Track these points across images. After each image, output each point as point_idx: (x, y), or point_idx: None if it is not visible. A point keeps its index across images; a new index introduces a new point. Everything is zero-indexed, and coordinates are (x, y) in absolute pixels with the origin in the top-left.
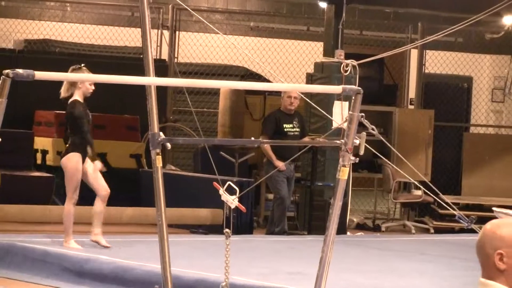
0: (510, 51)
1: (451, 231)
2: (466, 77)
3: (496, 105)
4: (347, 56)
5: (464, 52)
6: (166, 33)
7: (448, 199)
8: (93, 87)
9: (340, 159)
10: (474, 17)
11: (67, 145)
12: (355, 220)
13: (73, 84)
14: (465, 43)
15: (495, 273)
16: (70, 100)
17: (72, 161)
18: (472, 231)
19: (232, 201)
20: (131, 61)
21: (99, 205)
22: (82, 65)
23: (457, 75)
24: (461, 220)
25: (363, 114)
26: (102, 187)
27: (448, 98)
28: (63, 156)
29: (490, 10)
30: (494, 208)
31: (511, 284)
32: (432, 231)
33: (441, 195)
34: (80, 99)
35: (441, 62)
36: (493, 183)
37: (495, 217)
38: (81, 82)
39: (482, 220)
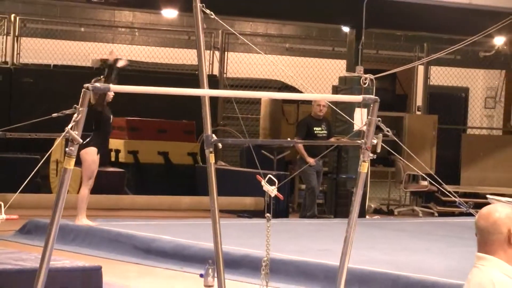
0: (500, 66)
1: (452, 214)
2: (463, 88)
3: (489, 111)
4: (366, 71)
5: (462, 68)
6: (217, 53)
7: (449, 188)
8: (112, 95)
9: (361, 156)
10: (470, 38)
11: (88, 139)
12: (372, 206)
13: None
14: (463, 60)
15: (502, 248)
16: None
17: (90, 154)
18: (470, 214)
19: (272, 190)
20: (188, 77)
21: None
22: (102, 77)
23: (456, 86)
24: (460, 206)
25: (379, 118)
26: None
27: (449, 105)
28: (82, 148)
29: (483, 32)
30: (488, 196)
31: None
32: (436, 214)
33: (443, 185)
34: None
35: (443, 76)
36: (486, 175)
37: (488, 203)
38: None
39: (478, 206)
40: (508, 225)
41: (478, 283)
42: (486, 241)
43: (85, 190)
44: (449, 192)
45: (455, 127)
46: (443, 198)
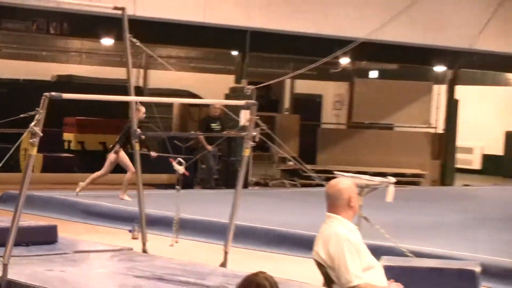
0: (345, 79)
1: (310, 186)
2: (319, 95)
3: (337, 111)
4: (249, 83)
5: (317, 80)
6: (142, 70)
7: (308, 166)
8: (144, 115)
9: (244, 144)
10: (323, 59)
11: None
12: (254, 180)
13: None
14: (318, 75)
15: (344, 209)
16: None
17: (121, 154)
18: (322, 185)
19: (180, 169)
20: (120, 88)
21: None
22: (139, 103)
23: (313, 93)
24: (315, 179)
25: (258, 117)
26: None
27: (308, 107)
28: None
29: (332, 55)
30: (335, 172)
31: (351, 216)
32: (299, 186)
33: (304, 164)
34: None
35: (305, 86)
36: (335, 157)
37: (335, 177)
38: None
39: (329, 179)
40: (348, 193)
41: (327, 235)
42: (333, 204)
43: (129, 175)
44: (307, 169)
45: (313, 123)
46: (304, 174)
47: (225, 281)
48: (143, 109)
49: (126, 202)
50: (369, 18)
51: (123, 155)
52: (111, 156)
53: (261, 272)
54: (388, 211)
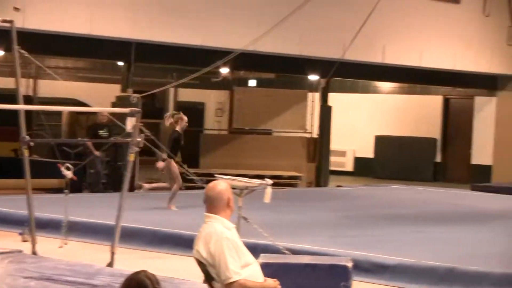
0: (225, 87)
1: (193, 188)
2: (201, 103)
3: (218, 118)
4: (134, 92)
5: (200, 89)
6: (31, 80)
7: (192, 170)
8: (186, 124)
9: (129, 149)
10: (203, 69)
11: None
12: (141, 183)
13: (176, 121)
14: (201, 83)
15: (223, 210)
16: (173, 129)
17: (173, 165)
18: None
19: (68, 174)
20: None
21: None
22: (180, 112)
23: (196, 101)
24: (198, 182)
25: (142, 124)
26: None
27: (192, 114)
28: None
29: (213, 65)
30: (215, 174)
31: (229, 215)
32: (183, 188)
33: (186, 167)
34: (180, 130)
35: (188, 94)
36: (217, 160)
37: (215, 179)
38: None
39: (210, 181)
40: (227, 194)
41: (207, 234)
42: (212, 205)
43: (177, 187)
44: (190, 172)
45: (196, 129)
46: (188, 177)
47: (112, 281)
48: (185, 118)
49: (14, 205)
50: (247, 30)
51: (174, 165)
52: (160, 164)
53: (142, 270)
54: (267, 211)
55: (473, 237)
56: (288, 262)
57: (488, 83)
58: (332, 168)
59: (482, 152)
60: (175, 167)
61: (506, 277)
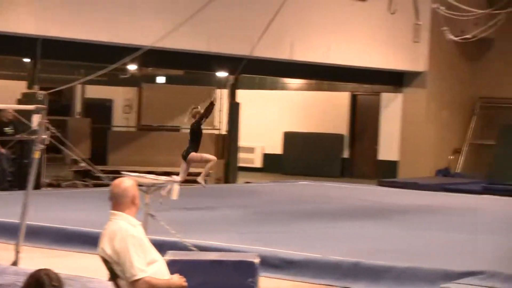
0: (134, 84)
1: (101, 185)
2: (109, 99)
3: (126, 115)
4: (41, 89)
5: (108, 85)
6: None
7: (100, 167)
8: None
9: (35, 146)
10: (111, 66)
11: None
12: (46, 181)
13: (194, 115)
14: (109, 80)
15: (128, 207)
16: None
17: (193, 155)
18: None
19: None
20: None
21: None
22: (198, 106)
23: (104, 98)
24: (104, 179)
25: (47, 121)
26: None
27: (100, 111)
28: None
29: (120, 62)
30: (122, 172)
31: (134, 212)
32: (91, 186)
33: (93, 165)
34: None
35: (96, 91)
36: (126, 158)
37: (122, 176)
38: None
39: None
40: (133, 191)
41: (112, 231)
42: (118, 202)
43: (213, 163)
44: (97, 170)
45: (104, 126)
46: (95, 175)
47: (16, 279)
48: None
49: None
50: (155, 26)
51: (195, 155)
52: (191, 156)
53: (43, 269)
54: (175, 208)
55: (378, 232)
56: (195, 259)
57: (394, 80)
58: (240, 164)
59: (388, 148)
60: (196, 156)
61: (409, 270)
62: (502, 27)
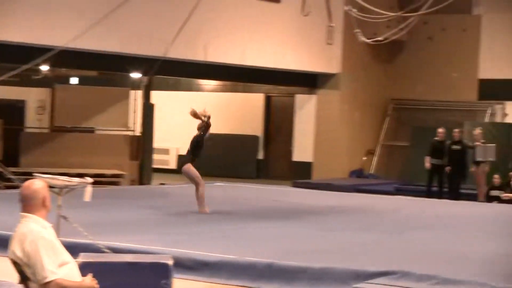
0: (47, 85)
1: (14, 187)
2: (21, 100)
3: (39, 116)
4: None
5: (20, 86)
6: None
7: (12, 169)
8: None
9: None
10: (24, 66)
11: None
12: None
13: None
14: (21, 81)
15: (39, 209)
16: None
17: (192, 168)
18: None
19: None
20: None
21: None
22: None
23: (16, 99)
24: (15, 181)
25: None
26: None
27: (11, 112)
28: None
29: (32, 63)
30: (34, 173)
31: (45, 214)
32: (3, 187)
33: (5, 167)
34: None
35: (8, 92)
36: (39, 160)
37: (34, 178)
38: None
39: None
40: (43, 193)
41: (22, 233)
42: (28, 204)
43: (203, 189)
44: (8, 171)
45: (16, 127)
46: (6, 176)
47: None
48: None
49: None
50: (68, 27)
51: (192, 168)
52: (187, 167)
53: None
54: (88, 210)
55: (292, 233)
56: (108, 261)
57: (308, 81)
58: (155, 166)
59: (302, 149)
60: (194, 169)
61: (322, 271)
62: (414, 29)
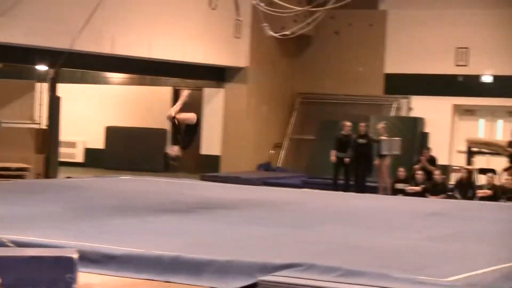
0: None
1: None
2: None
3: None
4: None
5: None
6: None
7: None
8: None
9: None
10: None
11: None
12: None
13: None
14: None
15: None
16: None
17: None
18: None
19: None
20: None
21: None
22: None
23: None
24: None
25: None
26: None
27: None
28: None
29: None
30: None
31: None
32: None
33: None
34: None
35: None
36: None
37: None
38: None
39: None
40: None
41: None
42: None
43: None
44: None
45: None
46: None
47: None
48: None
49: None
50: None
51: None
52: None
53: None
54: None
55: (199, 226)
56: (12, 255)
57: (216, 75)
58: (61, 159)
59: (211, 142)
60: None
61: (228, 264)
62: (321, 24)
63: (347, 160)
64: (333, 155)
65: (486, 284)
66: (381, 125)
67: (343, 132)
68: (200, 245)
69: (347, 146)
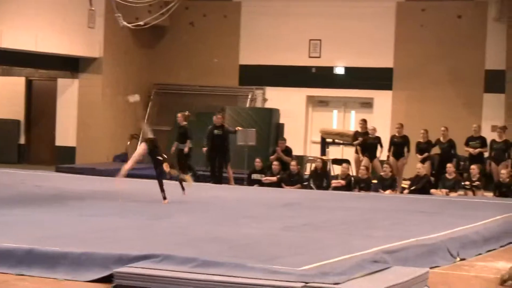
0: None
1: None
2: None
3: None
4: None
5: None
6: None
7: None
8: None
9: None
10: None
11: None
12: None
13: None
14: None
15: None
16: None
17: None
18: None
19: None
20: None
21: None
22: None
23: None
24: None
25: None
26: None
27: None
28: None
29: None
30: None
31: None
32: None
33: None
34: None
35: None
36: None
37: None
38: None
39: None
40: None
41: None
42: None
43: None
44: None
45: None
46: None
47: None
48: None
49: None
50: None
51: None
52: None
53: None
54: None
55: (54, 218)
56: None
57: (70, 65)
58: None
59: (65, 133)
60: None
61: (84, 256)
62: (175, 14)
63: (204, 149)
64: (174, 146)
65: (338, 272)
66: (218, 117)
67: (180, 124)
68: (54, 238)
69: (185, 137)
